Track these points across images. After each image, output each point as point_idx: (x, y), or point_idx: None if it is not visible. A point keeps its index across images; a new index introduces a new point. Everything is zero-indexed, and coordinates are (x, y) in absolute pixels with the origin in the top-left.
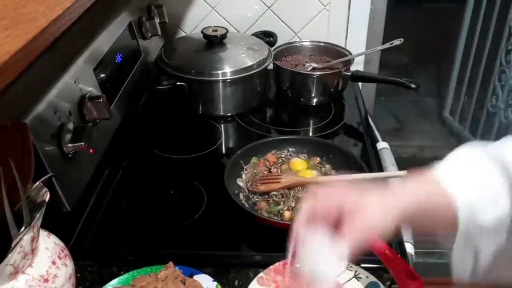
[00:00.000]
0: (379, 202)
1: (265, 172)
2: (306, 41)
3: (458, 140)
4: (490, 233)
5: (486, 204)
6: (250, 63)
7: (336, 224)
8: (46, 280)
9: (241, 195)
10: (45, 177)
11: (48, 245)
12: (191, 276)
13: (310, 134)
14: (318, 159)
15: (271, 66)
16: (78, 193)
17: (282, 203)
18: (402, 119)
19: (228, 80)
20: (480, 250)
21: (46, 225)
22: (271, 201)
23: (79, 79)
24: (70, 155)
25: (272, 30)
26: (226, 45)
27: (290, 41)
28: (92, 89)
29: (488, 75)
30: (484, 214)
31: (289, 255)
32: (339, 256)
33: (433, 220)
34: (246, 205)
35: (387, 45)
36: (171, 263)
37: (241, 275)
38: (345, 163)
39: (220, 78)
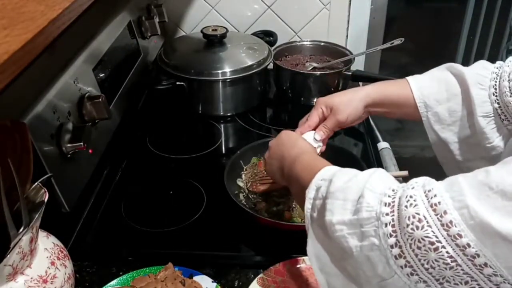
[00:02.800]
0: (347, 99)
1: (265, 172)
2: (306, 41)
3: None
4: (452, 128)
5: (438, 94)
6: (250, 63)
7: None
8: (45, 281)
9: (241, 195)
10: (44, 177)
11: (47, 246)
12: (190, 277)
13: None
14: None
15: (271, 66)
16: (77, 194)
17: (282, 203)
18: (403, 119)
19: (228, 80)
20: (448, 143)
21: (45, 226)
22: (271, 201)
23: (78, 78)
24: (69, 155)
25: (272, 29)
26: (226, 45)
27: (290, 40)
28: (91, 89)
29: None
30: (438, 103)
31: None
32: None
33: (397, 107)
34: (246, 206)
35: (387, 45)
36: (170, 264)
37: (241, 276)
38: (346, 163)
39: (220, 77)
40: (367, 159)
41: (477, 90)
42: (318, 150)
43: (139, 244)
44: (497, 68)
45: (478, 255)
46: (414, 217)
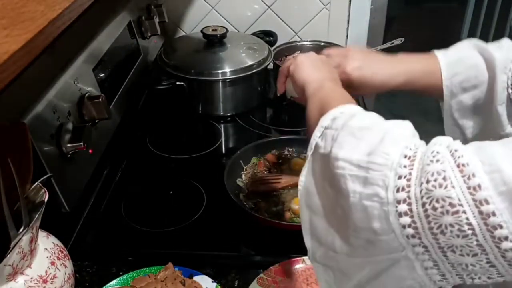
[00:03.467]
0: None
1: (265, 172)
2: (306, 41)
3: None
4: (471, 115)
5: (466, 82)
6: (250, 63)
7: None
8: (45, 281)
9: (241, 195)
10: (44, 177)
11: (47, 246)
12: (190, 277)
13: None
14: None
15: (271, 66)
16: (77, 194)
17: (282, 203)
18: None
19: (228, 80)
20: (464, 129)
21: (45, 226)
22: (271, 201)
23: (78, 78)
24: (69, 155)
25: (272, 29)
26: (226, 45)
27: (290, 40)
28: (91, 88)
29: None
30: (464, 91)
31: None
32: None
33: (421, 89)
34: (246, 206)
35: (387, 45)
36: (170, 264)
37: (241, 276)
38: None
39: (220, 77)
40: None
41: (503, 76)
42: None
43: (139, 244)
44: None
45: (501, 226)
46: (439, 173)
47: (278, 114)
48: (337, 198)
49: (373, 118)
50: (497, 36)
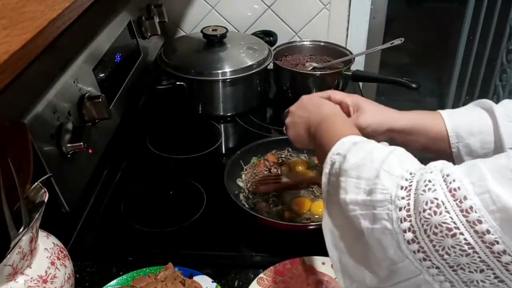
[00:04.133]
0: (377, 111)
1: (265, 172)
2: (307, 41)
3: None
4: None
5: (471, 125)
6: (250, 63)
7: None
8: (45, 281)
9: (241, 195)
10: (44, 178)
11: (47, 246)
12: (190, 277)
13: None
14: None
15: (271, 66)
16: (77, 194)
17: (282, 203)
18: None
19: (228, 80)
20: None
21: (45, 226)
22: (271, 201)
23: (78, 78)
24: (69, 155)
25: (272, 29)
26: (226, 45)
27: (290, 40)
28: (91, 88)
29: (489, 74)
30: (470, 134)
31: None
32: None
33: (425, 137)
34: (246, 206)
35: (387, 45)
36: (170, 264)
37: (241, 276)
38: None
39: (220, 77)
40: None
41: (506, 123)
42: None
43: (139, 244)
44: None
45: (497, 242)
46: (432, 202)
47: (278, 114)
48: (356, 236)
49: (365, 149)
50: (497, 36)
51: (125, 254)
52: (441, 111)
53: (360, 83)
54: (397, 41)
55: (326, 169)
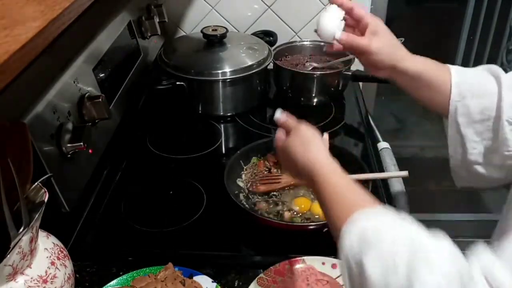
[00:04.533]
0: (392, 41)
1: (265, 172)
2: (307, 41)
3: None
4: (476, 126)
5: (476, 87)
6: (250, 63)
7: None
8: (45, 281)
9: (241, 195)
10: (44, 178)
11: (47, 246)
12: (190, 277)
13: None
14: None
15: (271, 66)
16: (77, 194)
17: (282, 203)
18: (403, 119)
19: (228, 80)
20: (466, 140)
21: (45, 226)
22: (271, 201)
23: (78, 79)
24: (69, 155)
25: (272, 29)
26: (226, 45)
27: (290, 40)
28: (91, 89)
29: None
30: (473, 96)
31: None
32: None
33: (427, 86)
34: (246, 206)
35: None
36: (170, 264)
37: (241, 276)
38: (346, 163)
39: (220, 77)
40: (367, 159)
41: (508, 93)
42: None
43: (139, 244)
44: None
45: None
46: None
47: None
48: None
49: (382, 254)
50: (497, 36)
51: (125, 254)
52: (450, 66)
53: (360, 83)
54: None
55: (342, 269)
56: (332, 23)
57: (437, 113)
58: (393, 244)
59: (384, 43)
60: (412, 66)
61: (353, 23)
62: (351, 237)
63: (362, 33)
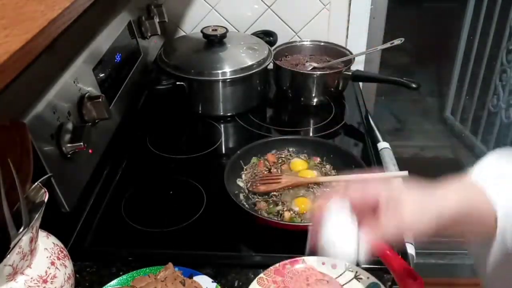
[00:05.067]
0: (419, 201)
1: (265, 172)
2: (307, 41)
3: (459, 140)
4: None
5: None
6: (250, 63)
7: (365, 214)
8: (45, 281)
9: (241, 195)
10: (44, 178)
11: (47, 246)
12: (190, 277)
13: (311, 134)
14: (319, 159)
15: (271, 66)
16: (77, 194)
17: (282, 203)
18: (403, 119)
19: (228, 80)
20: None
21: (45, 226)
22: (271, 201)
23: (78, 79)
24: (69, 155)
25: (272, 29)
26: (226, 45)
27: (290, 40)
28: (91, 89)
29: (489, 74)
30: None
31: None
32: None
33: (470, 226)
34: (246, 206)
35: (387, 45)
36: (170, 264)
37: (241, 276)
38: (346, 163)
39: (220, 77)
40: (367, 159)
41: None
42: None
43: (139, 244)
44: None
45: None
46: None
47: (278, 114)
48: None
49: None
50: (497, 36)
51: (125, 254)
52: (488, 191)
53: (360, 83)
54: (397, 41)
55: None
56: (349, 243)
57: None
58: None
59: (413, 214)
60: (448, 211)
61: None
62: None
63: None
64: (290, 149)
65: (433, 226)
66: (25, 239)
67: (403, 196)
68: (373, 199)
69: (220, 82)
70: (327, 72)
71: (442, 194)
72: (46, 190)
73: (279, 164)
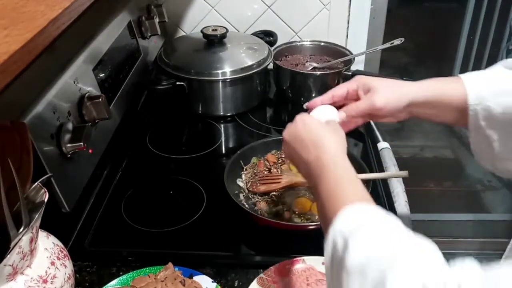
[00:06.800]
0: (391, 86)
1: (265, 172)
2: (307, 41)
3: (459, 140)
4: (500, 126)
5: (495, 86)
6: (250, 63)
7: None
8: (45, 281)
9: (241, 195)
10: (44, 178)
11: (47, 246)
12: (190, 277)
13: None
14: None
15: (271, 66)
16: (77, 194)
17: (282, 203)
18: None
19: (228, 80)
20: (492, 141)
21: (45, 226)
22: (271, 201)
23: (78, 79)
24: (69, 155)
25: (272, 29)
26: (226, 45)
27: (290, 40)
28: (91, 89)
29: None
30: (493, 95)
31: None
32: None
33: (442, 111)
34: (246, 206)
35: (387, 45)
36: (170, 264)
37: (241, 276)
38: None
39: (220, 77)
40: (367, 159)
41: None
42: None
43: (139, 244)
44: None
45: None
46: None
47: (278, 114)
48: None
49: (372, 240)
50: (497, 36)
51: (125, 254)
52: (461, 75)
53: None
54: (397, 41)
55: (328, 248)
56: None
57: (462, 126)
58: (384, 239)
59: (386, 94)
60: (422, 96)
61: (346, 101)
62: (346, 217)
63: (356, 99)
64: None
65: (405, 107)
66: (25, 239)
67: (375, 82)
68: (351, 91)
69: (220, 82)
70: (327, 72)
71: (416, 82)
72: (46, 190)
73: (279, 164)
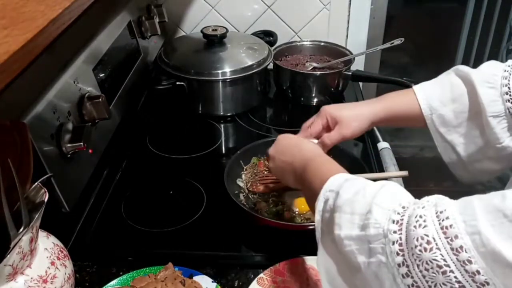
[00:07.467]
0: (355, 114)
1: (265, 172)
2: (307, 41)
3: None
4: (458, 130)
5: (442, 95)
6: (250, 63)
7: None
8: (45, 281)
9: (241, 195)
10: (44, 177)
11: (47, 246)
12: (190, 277)
13: None
14: None
15: (271, 66)
16: (77, 194)
17: (282, 203)
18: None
19: (228, 80)
20: (455, 145)
21: (45, 226)
22: (271, 201)
23: (78, 79)
24: (69, 155)
25: (272, 29)
26: (226, 45)
27: (290, 40)
28: (91, 89)
29: None
30: (443, 105)
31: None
32: None
33: (402, 122)
34: (246, 206)
35: (387, 45)
36: (170, 264)
37: (241, 276)
38: (346, 163)
39: (220, 77)
40: (367, 159)
41: (485, 89)
42: None
43: (139, 244)
44: (509, 66)
45: (488, 283)
46: (422, 238)
47: (278, 114)
48: (352, 271)
49: (357, 185)
50: (497, 36)
51: (125, 254)
52: (414, 86)
53: (360, 83)
54: (397, 41)
55: (319, 206)
56: None
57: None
58: (368, 183)
59: (348, 125)
60: (379, 116)
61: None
62: (334, 179)
63: (329, 129)
64: None
65: (369, 126)
66: (25, 239)
67: (339, 113)
68: (324, 125)
69: (220, 82)
70: (327, 72)
71: (374, 101)
72: (46, 190)
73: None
